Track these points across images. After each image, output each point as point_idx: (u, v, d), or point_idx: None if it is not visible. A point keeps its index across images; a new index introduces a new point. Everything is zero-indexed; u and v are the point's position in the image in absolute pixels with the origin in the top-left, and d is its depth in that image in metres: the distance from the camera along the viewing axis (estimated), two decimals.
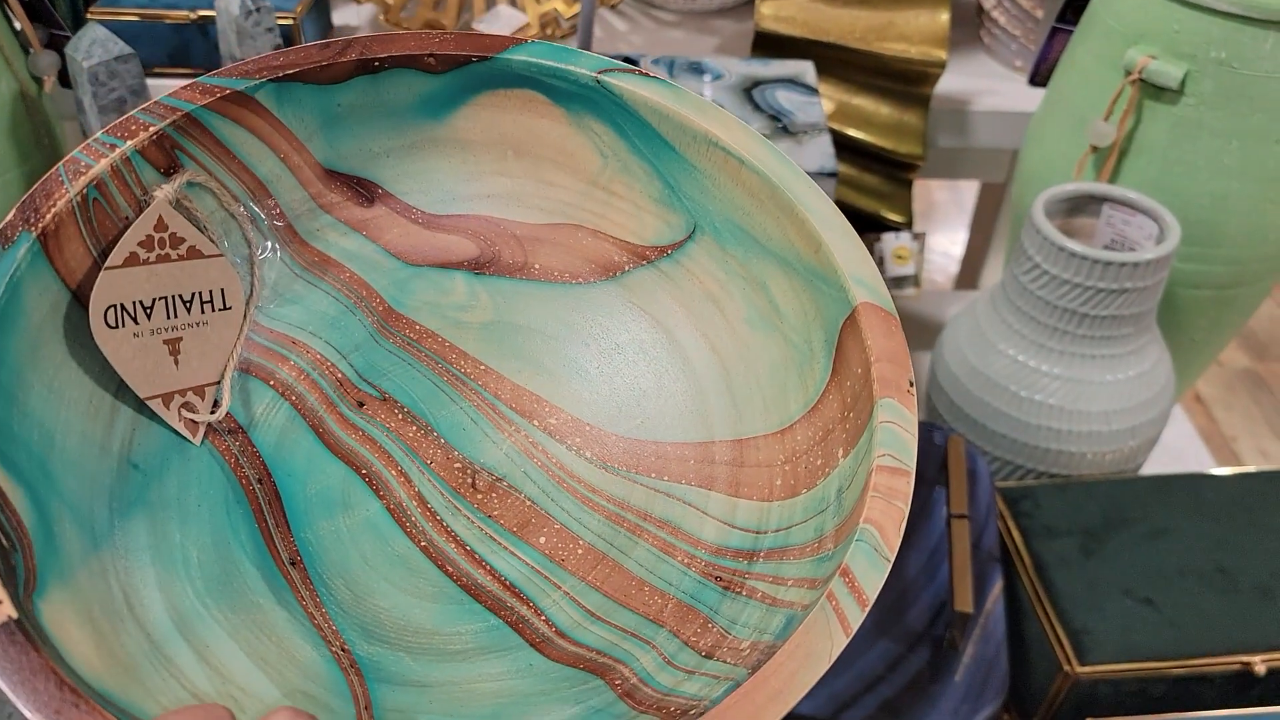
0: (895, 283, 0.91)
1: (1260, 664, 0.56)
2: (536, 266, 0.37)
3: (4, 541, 0.24)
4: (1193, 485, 0.65)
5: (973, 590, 0.53)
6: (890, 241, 0.91)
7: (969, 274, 1.11)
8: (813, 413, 0.32)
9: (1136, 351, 0.65)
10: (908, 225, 0.91)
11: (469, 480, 0.34)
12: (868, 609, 0.25)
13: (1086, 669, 0.55)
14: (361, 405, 0.35)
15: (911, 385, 0.29)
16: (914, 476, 0.28)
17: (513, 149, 0.37)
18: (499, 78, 0.35)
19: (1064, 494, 0.64)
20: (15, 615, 0.23)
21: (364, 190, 0.37)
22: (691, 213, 0.36)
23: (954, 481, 0.56)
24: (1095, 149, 0.69)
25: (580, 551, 0.33)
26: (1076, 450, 0.66)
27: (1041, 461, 0.67)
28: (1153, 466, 0.72)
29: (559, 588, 0.32)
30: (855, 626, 0.25)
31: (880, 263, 0.91)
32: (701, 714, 0.23)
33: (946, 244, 2.41)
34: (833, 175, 0.66)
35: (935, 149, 0.92)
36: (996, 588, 0.54)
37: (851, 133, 0.86)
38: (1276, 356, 2.14)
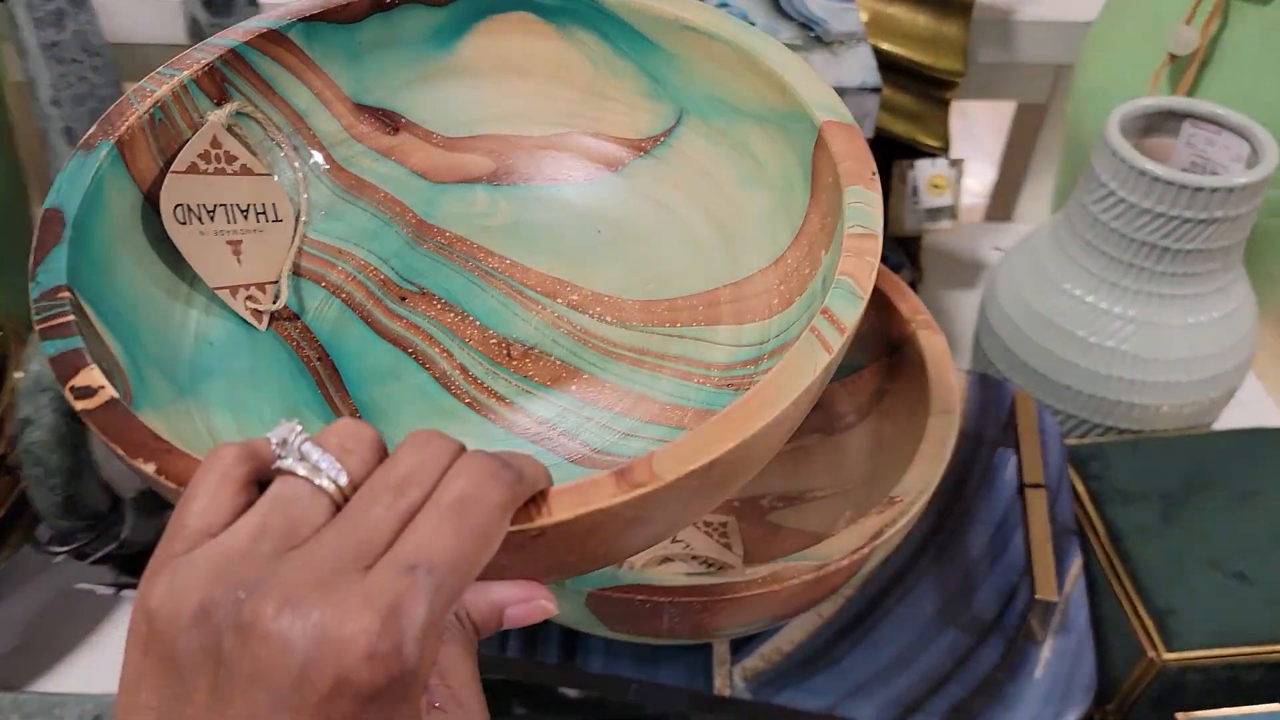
0: (930, 215, 0.83)
1: None
2: (547, 172, 0.42)
3: (105, 365, 0.29)
4: (1277, 440, 0.57)
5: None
6: (925, 169, 0.82)
7: (1001, 205, 1.02)
8: (798, 236, 0.36)
9: (1222, 290, 0.57)
10: (944, 151, 0.82)
11: (504, 351, 0.39)
12: (846, 334, 0.28)
13: (1174, 655, 0.49)
14: (404, 299, 0.40)
15: (874, 174, 0.32)
16: (880, 241, 0.31)
17: (515, 71, 0.41)
18: (495, 3, 0.40)
19: (1137, 452, 0.57)
20: (116, 396, 0.28)
21: (389, 120, 0.41)
22: (676, 99, 0.40)
23: (1026, 445, 0.48)
24: (1174, 58, 0.60)
25: (609, 391, 0.37)
26: (1152, 403, 0.58)
27: (1111, 416, 0.59)
28: (1229, 417, 0.64)
29: (592, 420, 0.36)
30: (836, 347, 0.28)
31: (914, 193, 0.83)
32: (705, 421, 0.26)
33: (976, 170, 2.32)
34: (875, 90, 0.58)
35: (974, 65, 0.83)
36: (1076, 565, 0.47)
37: (885, 46, 0.77)
38: None
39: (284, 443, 0.23)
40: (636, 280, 0.40)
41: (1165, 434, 0.58)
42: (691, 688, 0.42)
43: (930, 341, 0.46)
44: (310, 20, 0.38)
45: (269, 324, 0.38)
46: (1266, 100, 0.58)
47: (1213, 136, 0.58)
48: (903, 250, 0.88)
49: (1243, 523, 0.53)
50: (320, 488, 0.23)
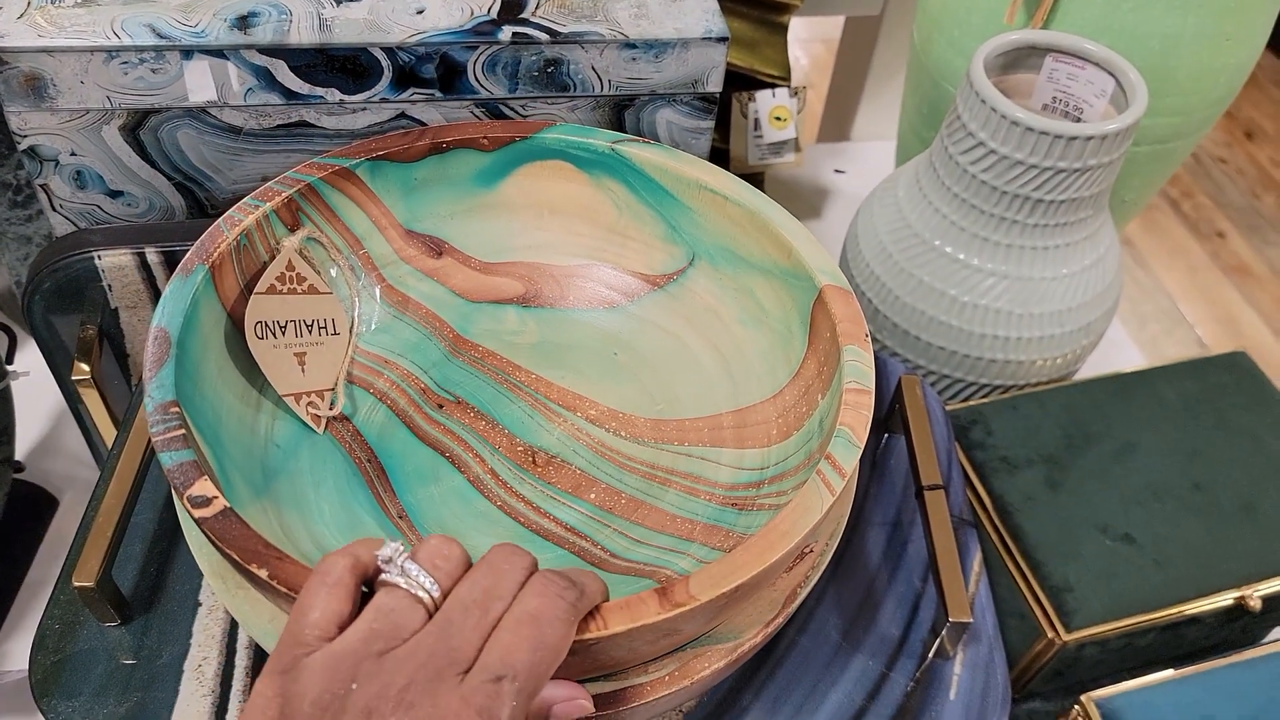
0: (773, 149, 0.78)
1: (1255, 597, 0.49)
2: (571, 298, 0.47)
3: (209, 474, 0.33)
4: (1149, 384, 0.56)
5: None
6: (766, 101, 0.77)
7: (835, 125, 0.98)
8: (796, 377, 0.41)
9: (1091, 237, 0.55)
10: (785, 80, 0.77)
11: (530, 458, 0.42)
12: (847, 478, 0.33)
13: (1074, 635, 0.47)
14: (441, 407, 0.44)
15: (867, 336, 0.38)
16: (873, 396, 0.36)
17: (548, 209, 0.47)
18: (535, 151, 0.46)
19: (1016, 413, 0.54)
20: (228, 505, 0.31)
21: (434, 246, 0.47)
22: (690, 244, 0.46)
23: (918, 439, 0.45)
24: None
25: (623, 501, 0.41)
26: (1025, 359, 0.56)
27: (985, 374, 0.57)
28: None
29: (609, 526, 0.40)
30: (838, 488, 0.33)
31: (755, 126, 0.77)
32: (729, 550, 0.31)
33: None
34: (722, 40, 0.52)
35: None
36: (977, 562, 0.45)
37: None
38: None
39: (389, 560, 0.28)
40: (648, 400, 0.44)
41: (1039, 389, 0.56)
42: None
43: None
44: (376, 159, 0.43)
45: (325, 427, 0.41)
46: (1120, 29, 0.55)
47: (1076, 71, 0.54)
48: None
49: (1124, 478, 0.52)
50: (418, 598, 0.27)
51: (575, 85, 0.53)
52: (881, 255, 0.57)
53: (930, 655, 0.41)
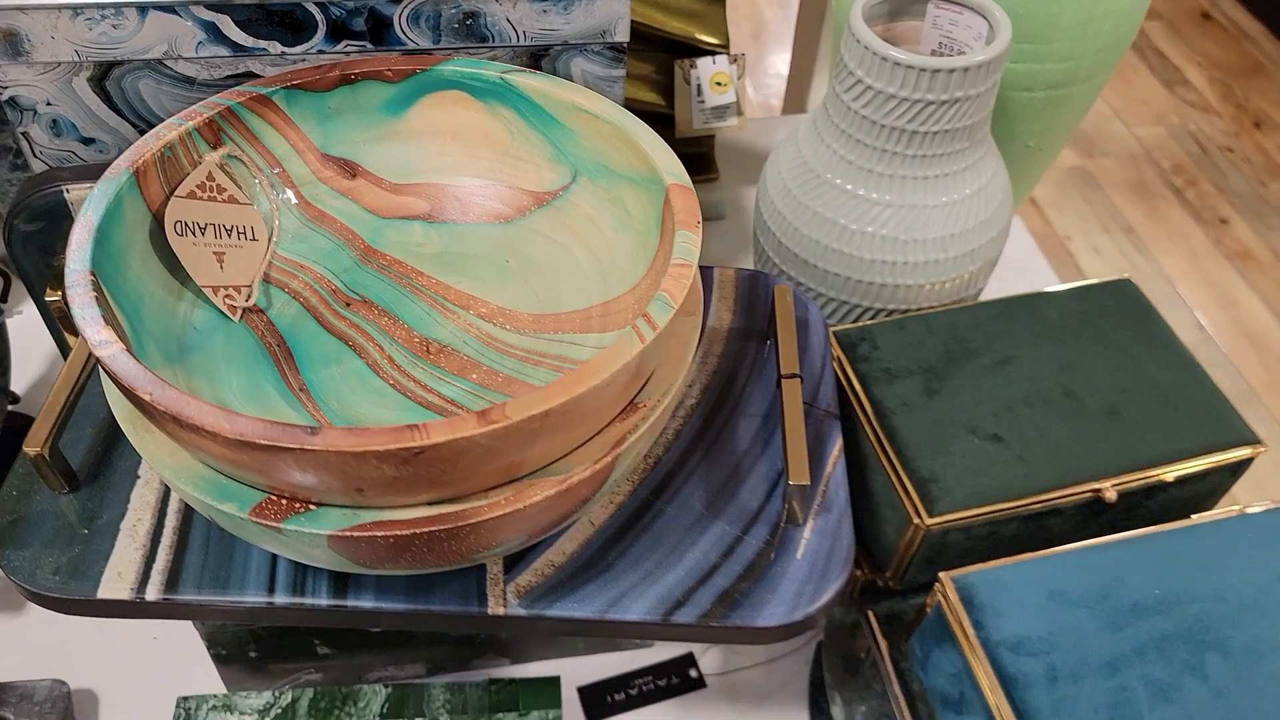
0: (716, 113, 0.83)
1: (1110, 489, 0.53)
2: (471, 214, 0.53)
3: (117, 330, 0.38)
4: (1033, 306, 0.61)
5: (810, 454, 0.48)
6: (707, 68, 0.82)
7: (795, 97, 1.03)
8: (650, 269, 0.46)
9: (971, 168, 0.59)
10: (724, 48, 0.82)
11: (424, 348, 0.48)
12: (657, 330, 0.37)
13: (937, 520, 0.52)
14: (348, 305, 0.50)
15: (699, 222, 0.43)
16: (694, 269, 0.41)
17: (450, 135, 0.52)
18: (435, 83, 0.51)
19: (903, 331, 0.59)
20: (130, 351, 0.36)
21: (349, 168, 0.53)
22: (572, 163, 0.51)
23: (783, 336, 0.50)
24: None
25: (499, 379, 0.47)
26: (914, 283, 0.61)
27: (878, 299, 0.61)
28: (995, 285, 0.67)
29: (483, 399, 0.46)
30: (648, 338, 0.37)
31: (698, 92, 0.83)
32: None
33: (780, 65, 2.33)
34: (620, 54, 0.57)
35: None
36: (835, 448, 0.49)
37: None
38: (1104, 151, 2.17)
39: None
40: (533, 299, 0.50)
41: (929, 310, 0.60)
42: (465, 612, 0.43)
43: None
44: (291, 87, 0.49)
45: (241, 317, 0.47)
46: None
47: (955, 16, 0.59)
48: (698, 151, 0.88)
49: (999, 387, 0.57)
50: None
51: (493, 36, 0.58)
52: (784, 192, 0.62)
53: (783, 521, 0.46)
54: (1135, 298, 0.62)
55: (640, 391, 0.41)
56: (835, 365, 0.58)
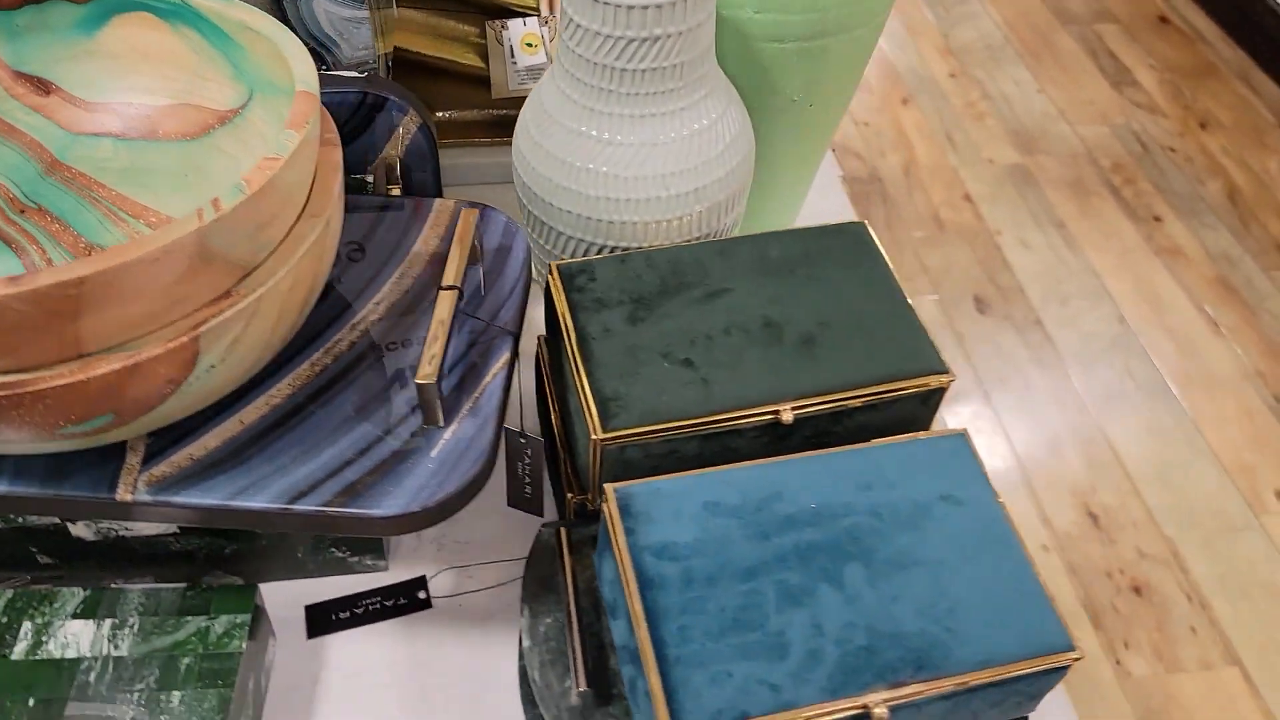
0: (530, 73, 0.85)
1: (788, 411, 0.55)
2: (160, 131, 0.56)
3: None
4: (759, 245, 0.63)
5: (474, 365, 0.50)
6: (518, 29, 0.85)
7: None
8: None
9: (691, 107, 0.61)
10: (534, 10, 0.84)
11: (87, 252, 0.51)
12: (219, 212, 0.40)
13: (609, 434, 0.53)
14: (23, 212, 0.53)
15: (307, 124, 0.45)
16: (280, 161, 0.43)
17: (141, 55, 0.55)
18: (123, 4, 0.54)
19: (624, 265, 0.61)
20: None
21: (42, 85, 0.56)
22: (249, 82, 0.54)
23: (452, 254, 0.52)
24: None
25: None
26: (639, 219, 0.63)
27: (609, 235, 0.63)
28: None
29: None
30: (207, 219, 0.40)
31: (511, 54, 0.85)
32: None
33: None
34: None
35: None
36: (500, 361, 0.52)
37: None
38: (1045, 150, 2.18)
39: None
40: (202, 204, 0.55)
41: (653, 248, 0.62)
42: (94, 498, 0.45)
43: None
44: None
45: None
46: None
47: None
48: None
49: (703, 317, 0.58)
50: None
51: None
52: (525, 133, 0.64)
53: (423, 421, 0.48)
54: (861, 238, 0.63)
55: (242, 281, 0.43)
56: (551, 294, 0.60)
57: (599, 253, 0.65)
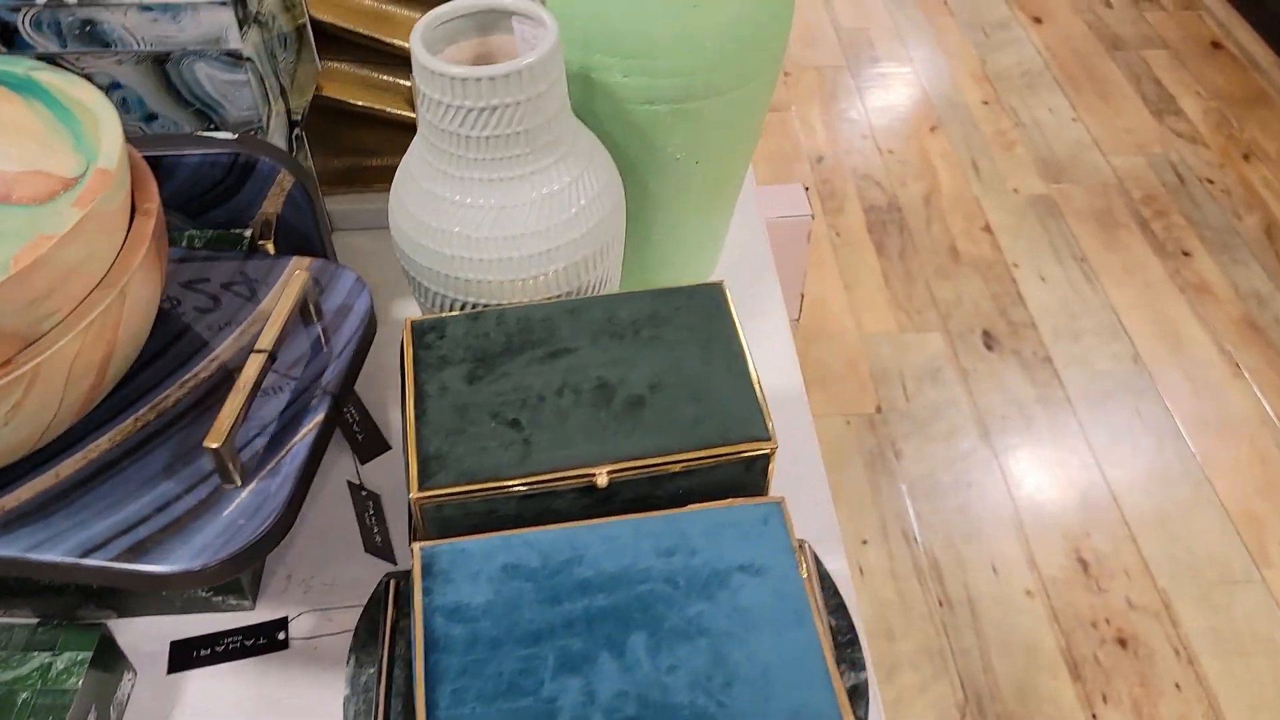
0: None
1: (603, 475, 0.56)
2: (13, 196, 0.59)
3: None
4: (610, 306, 0.64)
5: (287, 424, 0.53)
6: None
7: None
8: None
9: (541, 172, 0.63)
10: None
11: None
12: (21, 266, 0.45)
13: (425, 494, 0.55)
14: None
15: (97, 200, 0.49)
16: (56, 239, 0.46)
17: (1, 126, 0.58)
18: None
19: (475, 323, 0.63)
20: None
21: None
22: (85, 153, 0.57)
23: (274, 316, 0.54)
24: None
25: None
26: (493, 278, 0.64)
27: (467, 292, 0.65)
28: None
29: None
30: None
31: None
32: None
33: None
34: (224, 4, 0.63)
35: None
36: (313, 422, 0.54)
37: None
38: (1073, 179, 2.13)
39: None
40: None
41: (507, 306, 0.64)
42: None
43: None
44: None
45: None
46: None
47: (534, 30, 0.63)
48: None
49: (540, 377, 0.60)
50: None
51: (115, 42, 0.65)
52: (395, 195, 0.67)
53: (220, 481, 0.51)
54: (714, 300, 0.64)
55: (25, 350, 0.46)
56: (402, 352, 0.62)
57: (462, 308, 0.67)
